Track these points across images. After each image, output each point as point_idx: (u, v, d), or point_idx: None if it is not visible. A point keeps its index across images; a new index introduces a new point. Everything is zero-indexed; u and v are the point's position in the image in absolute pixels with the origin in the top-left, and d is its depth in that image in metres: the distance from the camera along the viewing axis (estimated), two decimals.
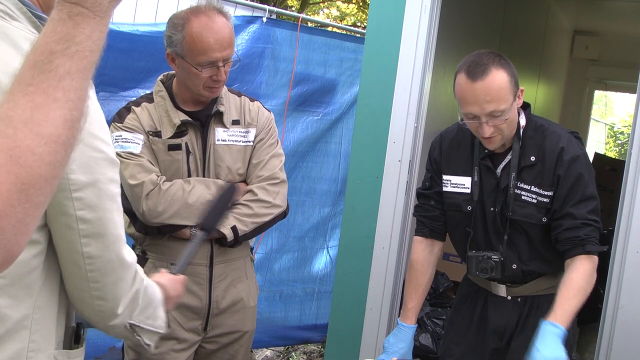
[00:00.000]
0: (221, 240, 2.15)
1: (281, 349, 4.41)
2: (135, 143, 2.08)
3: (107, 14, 0.84)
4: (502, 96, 2.01)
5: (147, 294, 1.33)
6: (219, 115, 2.19)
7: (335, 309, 3.38)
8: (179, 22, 2.07)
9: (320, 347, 4.51)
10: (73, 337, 1.30)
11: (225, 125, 2.19)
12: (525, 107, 2.21)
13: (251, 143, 2.24)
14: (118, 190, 1.19)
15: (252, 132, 2.24)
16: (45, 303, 1.21)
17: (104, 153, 1.14)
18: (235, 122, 2.22)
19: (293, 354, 4.44)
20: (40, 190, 0.75)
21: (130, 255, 1.23)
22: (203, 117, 2.18)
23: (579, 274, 2.06)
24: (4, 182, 0.71)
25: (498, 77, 2.02)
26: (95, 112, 1.15)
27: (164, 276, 1.56)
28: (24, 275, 1.15)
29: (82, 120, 0.82)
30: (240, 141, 2.21)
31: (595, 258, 2.10)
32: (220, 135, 2.18)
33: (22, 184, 0.72)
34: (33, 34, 1.16)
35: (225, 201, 1.97)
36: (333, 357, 3.40)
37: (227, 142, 2.19)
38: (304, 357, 4.43)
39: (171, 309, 1.53)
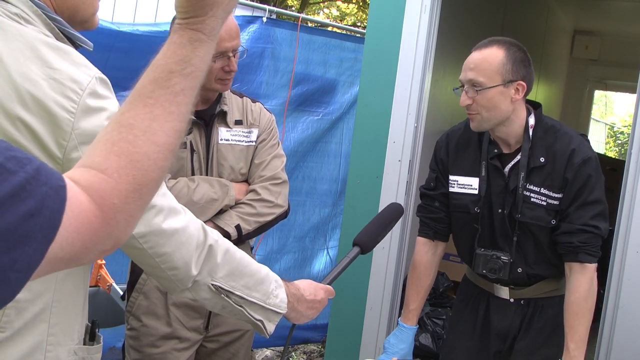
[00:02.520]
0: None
1: (281, 348, 4.41)
2: None
3: (217, 36, 0.98)
4: (485, 69, 2.04)
5: (233, 257, 1.36)
6: (223, 114, 2.20)
7: (335, 309, 3.38)
8: None
9: (320, 347, 4.51)
10: (88, 335, 1.33)
11: (229, 125, 2.21)
12: (536, 107, 2.20)
13: (253, 143, 2.25)
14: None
15: (255, 132, 2.26)
16: (66, 297, 1.24)
17: None
18: (238, 122, 2.24)
19: (293, 353, 4.44)
20: (150, 191, 0.85)
21: (181, 220, 1.27)
22: (207, 116, 2.19)
23: (577, 295, 2.06)
24: (123, 182, 0.82)
25: (492, 53, 2.06)
26: (111, 105, 1.19)
27: (305, 280, 1.58)
28: None
29: (185, 129, 0.93)
30: (243, 141, 2.23)
31: (590, 266, 2.08)
32: (224, 134, 2.20)
33: (138, 185, 0.83)
34: (48, 36, 1.18)
35: (387, 220, 1.87)
36: (333, 357, 3.40)
37: (230, 142, 2.21)
38: (304, 357, 4.43)
39: (311, 314, 1.54)
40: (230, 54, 2.08)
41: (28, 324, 1.18)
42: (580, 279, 2.07)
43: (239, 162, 2.22)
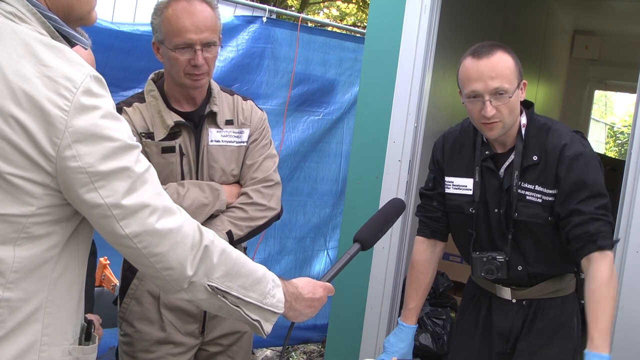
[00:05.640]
0: None
1: (281, 348, 4.41)
2: None
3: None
4: (507, 75, 2.02)
5: (229, 257, 1.35)
6: (212, 115, 2.15)
7: (335, 309, 3.38)
8: (159, 7, 2.06)
9: (320, 347, 4.51)
10: (84, 335, 1.33)
11: (219, 126, 2.15)
12: (528, 106, 2.20)
13: (245, 143, 2.20)
14: (145, 167, 1.23)
15: (246, 132, 2.20)
16: (60, 297, 1.23)
17: (119, 140, 1.18)
18: (229, 123, 2.18)
19: (293, 353, 4.44)
20: None
21: (176, 220, 1.26)
22: (196, 117, 2.14)
23: (599, 282, 1.97)
24: None
25: (504, 58, 2.03)
26: (105, 103, 1.18)
27: (304, 278, 1.57)
28: (36, 269, 1.18)
29: None
30: (233, 142, 2.18)
31: (610, 254, 2.01)
32: (214, 136, 2.14)
33: None
34: (43, 35, 1.18)
35: (389, 216, 1.84)
36: (333, 357, 3.40)
37: (221, 143, 2.15)
38: (304, 357, 4.43)
39: (309, 312, 1.54)
40: (198, 47, 2.01)
41: (22, 323, 1.17)
42: (601, 266, 1.98)
43: (231, 164, 2.17)
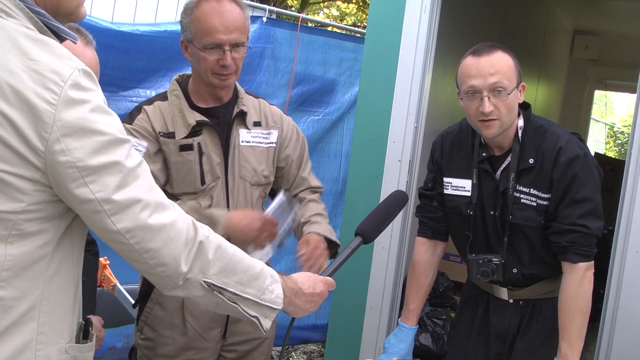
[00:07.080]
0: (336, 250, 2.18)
1: (281, 348, 4.41)
2: (137, 150, 2.00)
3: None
4: (506, 72, 2.02)
5: (225, 252, 1.33)
6: (242, 116, 2.16)
7: (335, 309, 3.38)
8: (189, 6, 2.07)
9: (320, 347, 4.51)
10: (81, 333, 1.31)
11: (248, 127, 2.17)
12: (526, 107, 2.19)
13: (273, 144, 2.22)
14: (136, 162, 1.21)
15: (274, 133, 2.22)
16: (56, 295, 1.21)
17: (109, 134, 1.16)
18: (257, 124, 2.20)
19: (293, 353, 4.44)
20: None
21: (169, 215, 1.24)
22: (221, 114, 2.14)
23: (566, 294, 2.06)
24: None
25: (504, 57, 2.05)
26: (95, 97, 1.17)
27: (304, 273, 1.56)
28: (28, 267, 1.16)
29: None
30: (262, 143, 2.19)
31: (580, 266, 2.05)
32: (244, 136, 2.15)
33: None
34: (31, 29, 1.17)
35: (391, 208, 1.85)
36: (333, 357, 3.40)
37: (251, 144, 2.17)
38: (304, 357, 4.43)
39: (310, 307, 1.52)
40: (226, 48, 2.02)
41: (16, 322, 1.16)
42: (569, 279, 2.06)
43: (261, 164, 2.18)
